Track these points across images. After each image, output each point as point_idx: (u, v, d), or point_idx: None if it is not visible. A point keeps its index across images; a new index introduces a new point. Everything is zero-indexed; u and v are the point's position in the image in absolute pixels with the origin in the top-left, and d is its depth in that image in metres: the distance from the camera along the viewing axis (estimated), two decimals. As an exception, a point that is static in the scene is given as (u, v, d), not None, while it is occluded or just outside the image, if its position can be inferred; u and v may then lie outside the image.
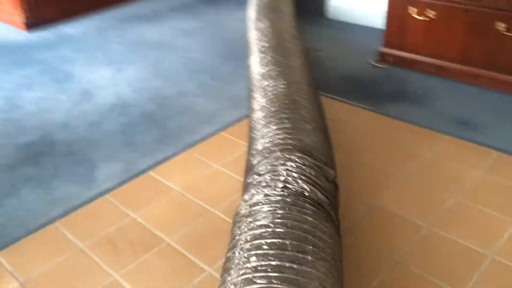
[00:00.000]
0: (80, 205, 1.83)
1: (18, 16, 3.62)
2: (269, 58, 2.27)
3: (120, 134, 2.29)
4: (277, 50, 2.35)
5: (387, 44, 2.85)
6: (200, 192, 1.89)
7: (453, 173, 1.92)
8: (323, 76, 2.79)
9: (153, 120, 2.40)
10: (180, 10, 4.05)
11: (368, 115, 2.38)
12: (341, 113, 2.41)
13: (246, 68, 2.36)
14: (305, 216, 1.30)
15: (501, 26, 2.36)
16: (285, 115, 1.79)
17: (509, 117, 2.30)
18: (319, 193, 1.42)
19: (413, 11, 2.64)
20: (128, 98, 2.62)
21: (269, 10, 2.95)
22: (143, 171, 2.02)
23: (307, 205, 1.35)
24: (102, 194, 1.89)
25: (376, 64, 2.89)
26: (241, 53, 2.84)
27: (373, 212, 1.75)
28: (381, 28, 2.92)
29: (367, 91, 2.62)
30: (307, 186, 1.41)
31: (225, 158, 2.08)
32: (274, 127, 1.73)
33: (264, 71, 2.18)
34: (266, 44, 2.43)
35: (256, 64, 2.28)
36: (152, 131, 2.31)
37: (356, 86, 2.68)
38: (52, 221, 1.76)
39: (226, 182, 1.92)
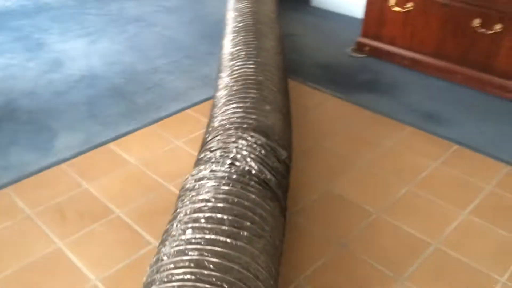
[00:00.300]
0: (34, 173, 1.81)
1: (-3, -18, 3.55)
2: (241, 38, 2.24)
3: (85, 105, 2.26)
4: (250, 30, 2.32)
5: (365, 34, 2.83)
6: (157, 167, 1.87)
7: (411, 163, 1.92)
8: (299, 62, 2.77)
9: (120, 94, 2.37)
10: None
11: (338, 103, 2.38)
12: (312, 99, 2.40)
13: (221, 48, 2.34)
14: (248, 193, 1.29)
15: (476, 22, 2.36)
16: (246, 95, 1.77)
17: (475, 113, 2.30)
18: (267, 172, 1.41)
19: (391, 2, 2.62)
20: (98, 70, 2.58)
21: (250, -8, 2.92)
22: (103, 143, 2.00)
23: (252, 182, 1.34)
24: (58, 163, 1.87)
25: (352, 54, 2.88)
26: (219, 34, 2.80)
27: (326, 196, 1.75)
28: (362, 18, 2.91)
29: (341, 79, 2.61)
30: (255, 164, 1.40)
31: (187, 136, 2.06)
32: (233, 106, 1.71)
33: (233, 50, 2.15)
34: (240, 24, 2.40)
35: (228, 43, 2.26)
36: (118, 105, 2.28)
37: (331, 74, 2.67)
38: (3, 186, 1.73)
39: (184, 159, 1.91)
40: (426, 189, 1.78)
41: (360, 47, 2.87)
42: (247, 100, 1.73)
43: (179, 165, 1.88)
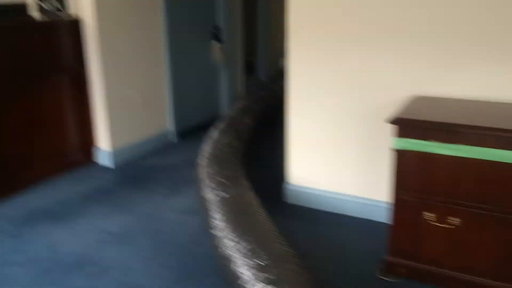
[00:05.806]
0: None
1: None
2: None
3: None
4: None
5: (396, 253, 2.29)
6: None
7: None
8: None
9: None
10: (96, 199, 3.15)
11: None
12: None
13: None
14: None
15: (544, 238, 1.97)
16: None
17: None
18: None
19: (430, 217, 2.16)
20: None
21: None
22: None
23: None
24: None
25: (384, 278, 2.30)
26: (200, 267, 2.08)
27: None
28: (365, 217, 2.41)
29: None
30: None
31: None
32: None
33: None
34: None
35: None
36: None
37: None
38: None
39: None
40: None
41: (391, 268, 2.30)
42: None
43: None
